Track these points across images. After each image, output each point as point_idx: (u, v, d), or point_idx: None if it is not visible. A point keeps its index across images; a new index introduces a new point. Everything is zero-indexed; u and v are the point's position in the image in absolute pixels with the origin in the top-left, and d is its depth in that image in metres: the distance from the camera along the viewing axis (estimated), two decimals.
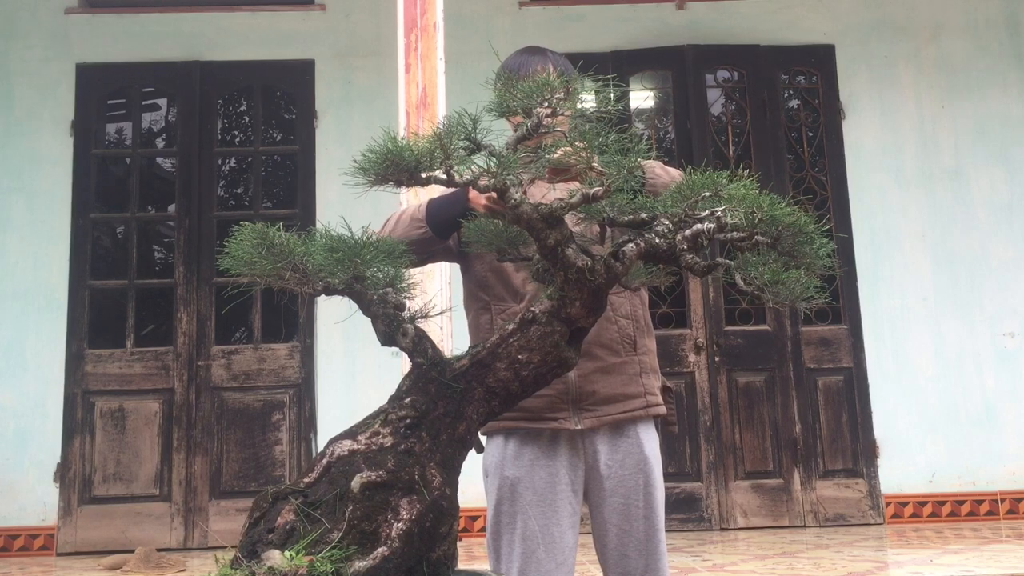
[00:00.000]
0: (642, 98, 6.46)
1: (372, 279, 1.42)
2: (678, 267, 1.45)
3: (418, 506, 1.33)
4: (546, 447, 2.10)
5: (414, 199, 3.09)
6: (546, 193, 1.95)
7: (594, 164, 1.36)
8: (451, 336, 3.05)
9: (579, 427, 2.08)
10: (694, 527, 5.68)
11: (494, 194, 1.79)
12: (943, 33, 6.37)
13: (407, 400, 1.42)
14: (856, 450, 5.90)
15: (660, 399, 2.17)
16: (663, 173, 2.07)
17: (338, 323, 5.35)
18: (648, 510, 2.10)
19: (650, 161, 2.10)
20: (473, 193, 1.94)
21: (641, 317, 2.16)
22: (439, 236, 2.04)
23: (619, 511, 2.10)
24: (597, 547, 2.16)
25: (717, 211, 1.40)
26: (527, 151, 1.45)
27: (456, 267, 2.63)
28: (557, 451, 2.10)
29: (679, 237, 1.41)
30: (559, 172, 1.63)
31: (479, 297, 2.18)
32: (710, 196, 1.41)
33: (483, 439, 2.19)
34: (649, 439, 2.14)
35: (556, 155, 1.42)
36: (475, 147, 1.40)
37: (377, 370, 5.43)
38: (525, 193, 1.39)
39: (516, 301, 2.11)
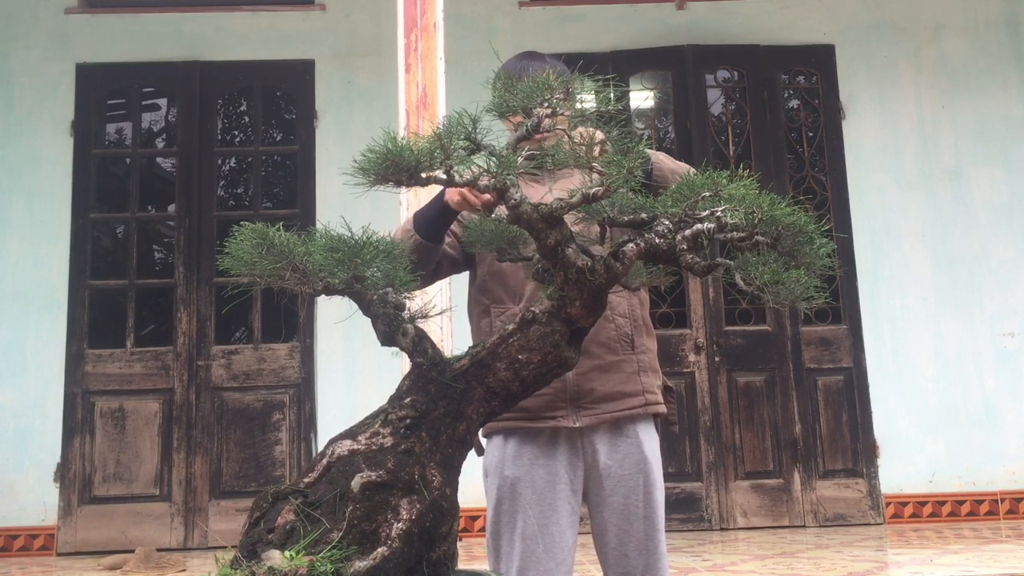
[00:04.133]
0: (642, 98, 6.46)
1: (372, 279, 1.42)
2: (678, 267, 1.45)
3: (418, 506, 1.33)
4: (545, 447, 2.10)
5: (414, 199, 3.09)
6: (546, 193, 1.95)
7: (594, 164, 1.36)
8: (451, 336, 3.05)
9: (577, 425, 2.08)
10: (694, 527, 5.68)
11: (464, 189, 1.80)
12: (943, 33, 6.37)
13: (407, 400, 1.42)
14: (856, 450, 5.90)
15: (660, 398, 2.17)
16: (668, 161, 2.07)
17: (338, 323, 5.34)
18: (648, 510, 2.10)
19: (657, 152, 2.10)
20: (448, 190, 1.93)
21: (640, 316, 2.16)
22: (429, 240, 2.03)
23: (618, 511, 2.10)
24: (597, 547, 2.16)
25: (717, 211, 1.40)
26: (527, 151, 1.45)
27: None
28: (556, 451, 2.10)
29: (679, 237, 1.41)
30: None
31: (479, 301, 2.19)
32: (710, 196, 1.41)
33: (483, 441, 2.19)
34: (649, 439, 2.13)
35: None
36: (475, 147, 1.39)
37: (377, 370, 5.42)
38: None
39: (515, 302, 2.12)
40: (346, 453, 1.37)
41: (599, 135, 1.41)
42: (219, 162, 6.45)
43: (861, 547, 4.85)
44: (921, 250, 6.12)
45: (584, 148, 1.38)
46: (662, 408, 2.17)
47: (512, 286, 2.13)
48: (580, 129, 1.43)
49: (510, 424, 2.07)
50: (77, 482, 5.67)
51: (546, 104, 1.40)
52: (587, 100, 1.46)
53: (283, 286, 1.38)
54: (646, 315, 2.19)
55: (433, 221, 2.03)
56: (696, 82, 6.23)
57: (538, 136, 1.45)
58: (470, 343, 1.88)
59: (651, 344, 2.19)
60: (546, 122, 1.40)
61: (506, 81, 1.45)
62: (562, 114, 1.42)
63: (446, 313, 2.86)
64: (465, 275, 2.33)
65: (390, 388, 1.49)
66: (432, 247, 2.05)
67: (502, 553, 2.10)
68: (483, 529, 2.18)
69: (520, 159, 1.40)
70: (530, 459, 2.10)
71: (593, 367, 2.07)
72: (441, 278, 2.27)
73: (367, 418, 1.44)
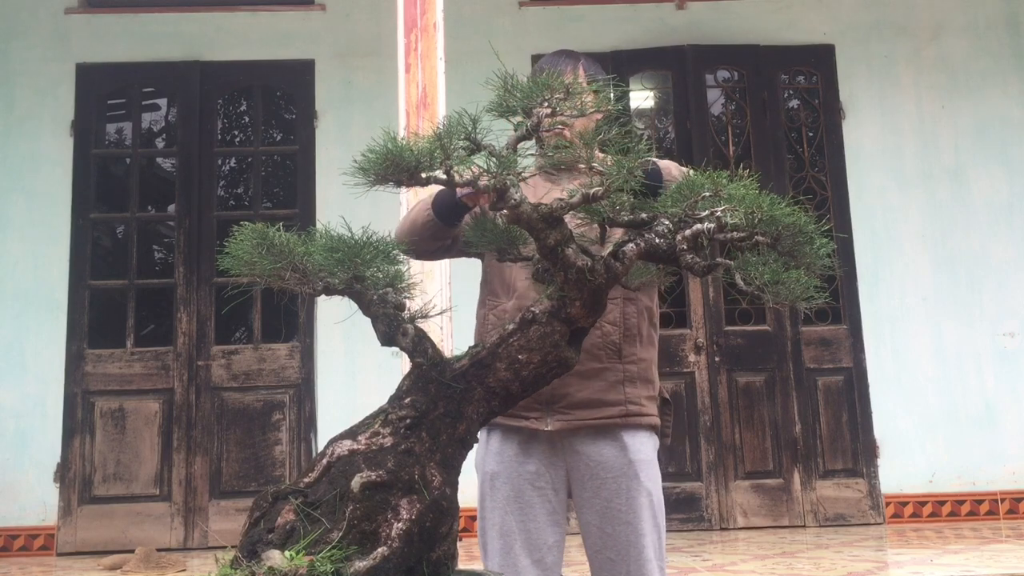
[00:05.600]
0: (642, 98, 6.46)
1: (372, 279, 1.42)
2: (678, 267, 1.45)
3: (418, 506, 1.33)
4: (525, 444, 2.09)
5: (413, 199, 3.09)
6: (546, 193, 1.95)
7: (593, 164, 1.36)
8: (451, 336, 3.05)
9: (548, 428, 2.06)
10: (694, 527, 5.68)
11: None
12: (943, 33, 6.37)
13: (407, 400, 1.42)
14: (856, 450, 5.90)
15: (647, 409, 2.11)
16: (675, 169, 2.06)
17: (338, 323, 5.34)
18: (631, 515, 2.05)
19: (665, 161, 2.09)
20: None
21: (634, 326, 2.09)
22: (442, 221, 2.02)
23: (600, 513, 2.07)
24: (585, 548, 2.15)
25: (717, 211, 1.39)
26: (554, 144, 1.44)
27: (455, 267, 2.61)
28: (536, 448, 2.09)
29: (679, 237, 1.41)
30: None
31: (481, 290, 2.22)
32: (710, 196, 1.41)
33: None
34: (637, 444, 2.08)
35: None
36: (475, 147, 1.39)
37: (377, 370, 5.42)
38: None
39: (508, 296, 2.11)
40: (346, 453, 1.37)
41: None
42: (219, 162, 6.45)
43: (861, 547, 4.85)
44: (921, 250, 6.12)
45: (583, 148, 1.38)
46: (649, 420, 2.11)
47: (507, 280, 2.12)
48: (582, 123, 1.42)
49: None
50: (77, 482, 5.67)
51: (546, 104, 1.40)
52: (608, 99, 1.45)
53: (283, 286, 1.38)
54: (644, 325, 2.12)
55: (447, 205, 2.00)
56: (696, 82, 6.23)
57: (557, 131, 1.44)
58: (470, 342, 1.89)
59: (646, 354, 2.12)
60: (546, 122, 1.40)
61: (505, 81, 1.44)
62: (561, 114, 1.42)
63: (446, 313, 2.86)
64: (466, 273, 2.33)
65: (390, 388, 1.49)
66: (443, 227, 2.04)
67: (488, 549, 2.10)
68: None
69: (520, 159, 1.40)
70: (510, 456, 2.09)
71: (572, 372, 2.04)
72: (454, 256, 2.25)
73: (367, 418, 1.44)
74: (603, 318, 2.04)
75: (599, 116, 1.57)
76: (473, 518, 2.25)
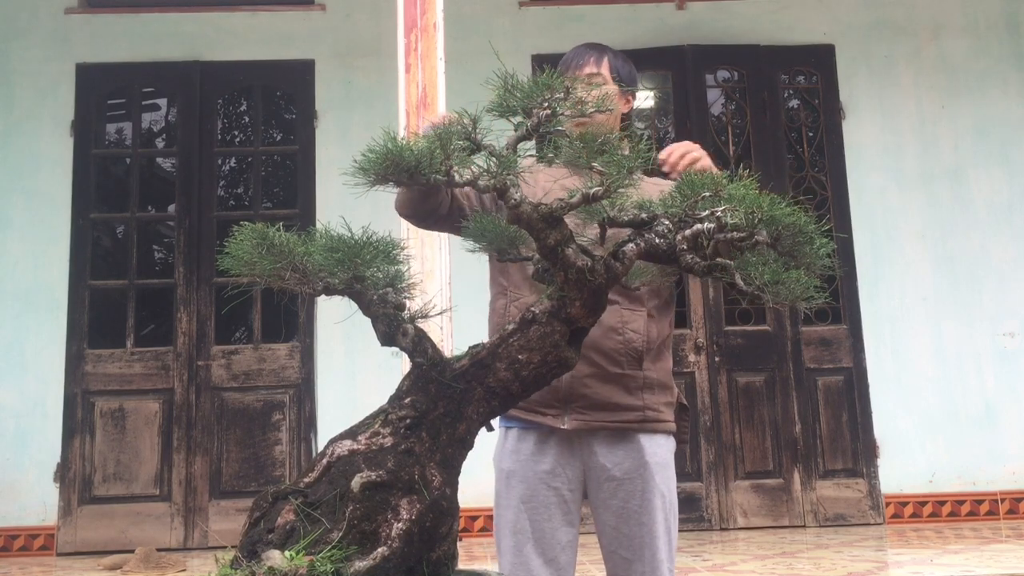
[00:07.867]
0: (642, 98, 6.46)
1: (372, 279, 1.42)
2: (678, 267, 1.45)
3: (418, 506, 1.33)
4: (542, 442, 2.09)
5: None
6: (546, 193, 1.95)
7: (594, 164, 1.36)
8: (451, 336, 3.05)
9: (564, 427, 2.06)
10: (694, 527, 5.68)
11: None
12: (943, 33, 6.37)
13: (407, 400, 1.42)
14: (856, 450, 5.90)
15: (664, 415, 2.12)
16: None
17: (338, 323, 5.34)
18: (646, 516, 2.06)
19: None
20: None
21: (655, 339, 2.11)
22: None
23: (616, 513, 2.08)
24: (600, 548, 2.15)
25: (717, 211, 1.39)
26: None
27: (455, 267, 2.61)
28: (553, 447, 2.09)
29: (679, 237, 1.41)
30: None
31: (498, 282, 2.19)
32: (710, 196, 1.41)
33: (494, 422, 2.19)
34: (653, 446, 2.09)
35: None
36: (475, 147, 1.39)
37: (377, 370, 5.41)
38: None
39: (531, 291, 2.10)
40: (346, 453, 1.37)
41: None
42: (219, 162, 6.45)
43: (861, 547, 4.85)
44: (921, 250, 6.12)
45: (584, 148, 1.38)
46: (665, 426, 2.13)
47: (530, 274, 2.11)
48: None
49: (510, 413, 2.06)
50: (77, 482, 5.67)
51: (546, 104, 1.40)
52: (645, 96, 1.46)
53: (283, 286, 1.38)
54: (664, 336, 2.14)
55: None
56: (696, 82, 6.23)
57: (582, 120, 1.44)
58: (470, 342, 1.89)
59: (665, 364, 2.15)
60: (563, 117, 1.40)
61: (556, 73, 1.44)
62: (562, 114, 1.42)
63: (446, 313, 2.86)
64: (466, 273, 2.33)
65: (390, 388, 1.49)
66: (434, 188, 1.95)
67: (502, 548, 2.10)
68: (483, 529, 2.19)
69: (520, 159, 1.40)
70: (526, 454, 2.09)
71: (591, 374, 2.04)
72: (446, 229, 2.17)
73: (367, 418, 1.44)
74: (626, 325, 2.06)
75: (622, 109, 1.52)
76: (473, 518, 2.26)
